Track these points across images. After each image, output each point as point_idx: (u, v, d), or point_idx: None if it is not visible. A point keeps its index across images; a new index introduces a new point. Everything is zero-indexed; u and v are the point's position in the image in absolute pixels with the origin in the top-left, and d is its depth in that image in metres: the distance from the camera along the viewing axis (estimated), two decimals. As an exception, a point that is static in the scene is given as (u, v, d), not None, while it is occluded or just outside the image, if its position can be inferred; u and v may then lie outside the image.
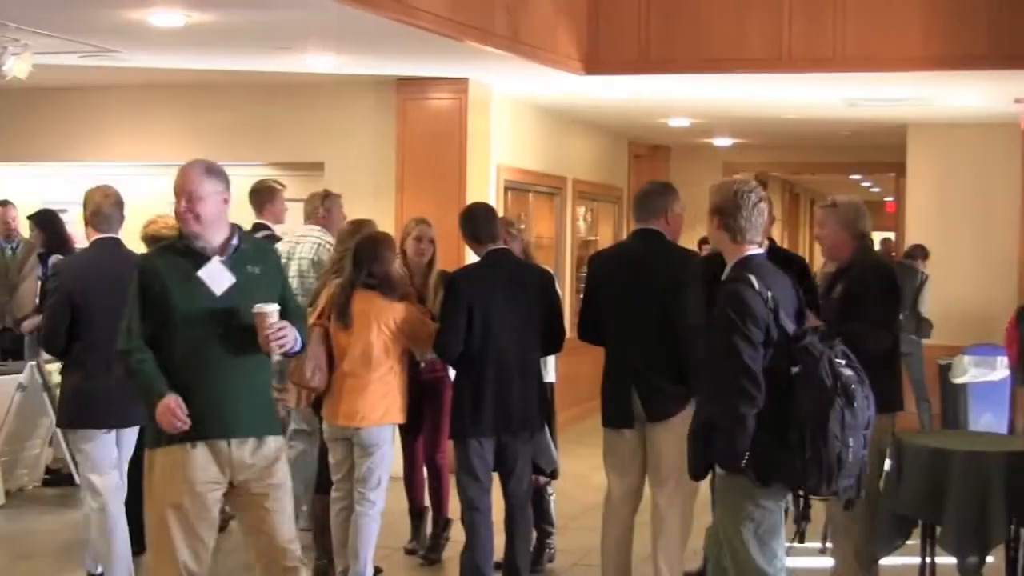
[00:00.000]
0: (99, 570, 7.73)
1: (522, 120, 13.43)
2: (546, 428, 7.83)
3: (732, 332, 5.32)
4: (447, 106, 11.87)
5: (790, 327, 5.42)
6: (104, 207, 7.68)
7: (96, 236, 7.69)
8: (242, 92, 12.58)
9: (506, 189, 12.90)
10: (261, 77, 11.82)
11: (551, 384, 8.42)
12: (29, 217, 11.35)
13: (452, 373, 7.87)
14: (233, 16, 8.87)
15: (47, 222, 11.18)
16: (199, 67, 11.35)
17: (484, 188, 12.04)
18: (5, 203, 11.80)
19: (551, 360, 8.36)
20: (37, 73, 9.89)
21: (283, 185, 9.70)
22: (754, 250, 5.60)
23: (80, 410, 7.53)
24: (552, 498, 8.61)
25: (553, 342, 7.69)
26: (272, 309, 5.68)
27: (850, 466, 5.34)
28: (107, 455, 7.57)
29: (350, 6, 8.24)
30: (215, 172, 5.72)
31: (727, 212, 5.58)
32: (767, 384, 5.30)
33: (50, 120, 13.27)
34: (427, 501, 8.90)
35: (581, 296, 7.68)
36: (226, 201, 5.72)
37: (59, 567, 8.59)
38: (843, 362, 5.38)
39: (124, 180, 13.29)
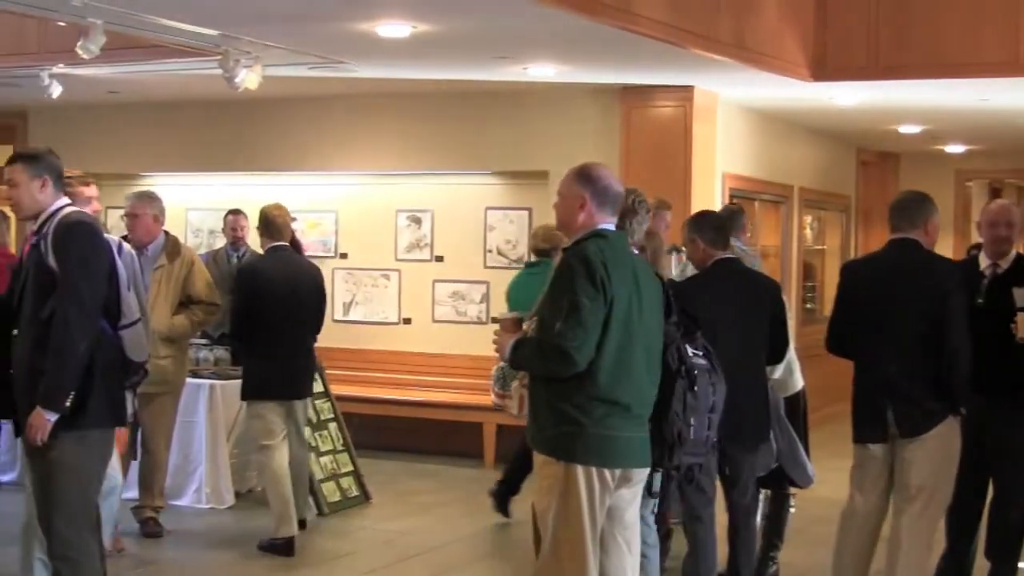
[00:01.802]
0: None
1: (748, 127, 13.30)
2: (798, 441, 7.74)
3: None
4: (672, 114, 11.80)
5: None
6: (277, 220, 9.27)
7: (271, 244, 9.28)
8: (466, 101, 12.68)
9: (731, 197, 12.76)
10: (485, 86, 11.90)
11: (802, 391, 8.33)
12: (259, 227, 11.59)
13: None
14: (457, 26, 8.95)
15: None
16: (423, 77, 11.48)
17: (709, 196, 11.94)
18: (236, 212, 12.06)
19: (796, 367, 8.25)
20: (266, 84, 10.11)
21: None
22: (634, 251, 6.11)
23: (259, 385, 9.08)
24: (792, 511, 8.49)
25: (776, 352, 7.57)
26: (504, 315, 5.76)
27: (691, 444, 5.87)
28: (278, 422, 9.13)
29: (573, 14, 8.25)
30: (575, 174, 5.64)
31: (624, 216, 6.15)
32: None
33: (278, 130, 13.56)
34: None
35: (832, 307, 7.47)
36: (582, 207, 5.57)
37: (284, 565, 8.74)
38: (700, 352, 5.99)
39: (349, 189, 13.61)
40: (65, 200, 6.23)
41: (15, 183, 6.15)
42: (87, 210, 6.82)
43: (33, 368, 5.95)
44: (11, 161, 6.23)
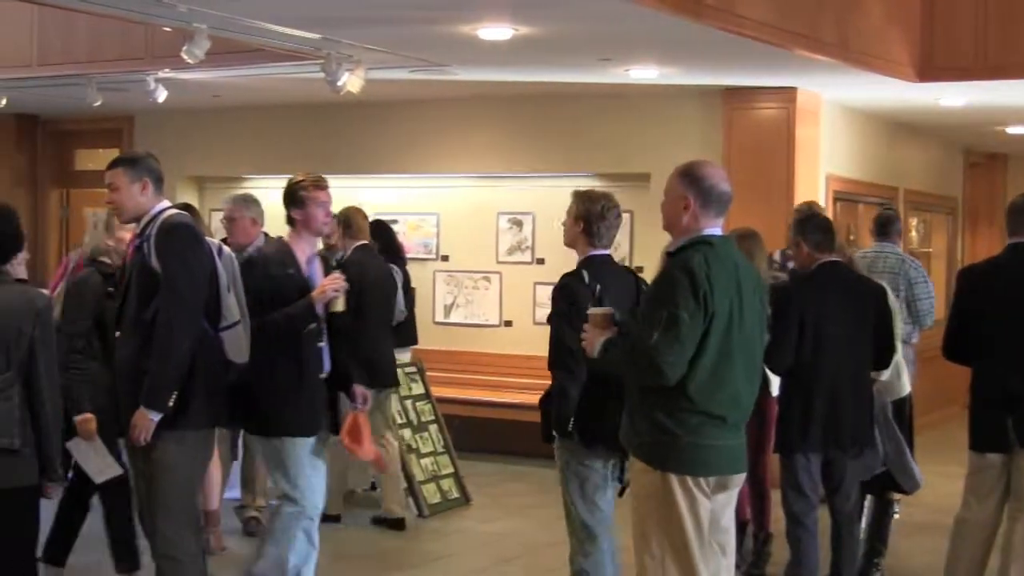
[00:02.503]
0: None
1: (852, 129, 13.16)
2: (905, 445, 7.67)
3: (560, 319, 6.41)
4: (775, 115, 11.72)
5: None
6: (357, 219, 9.77)
7: (355, 243, 9.71)
8: (567, 103, 12.65)
9: (835, 199, 12.65)
10: (586, 88, 11.87)
11: (909, 396, 8.24)
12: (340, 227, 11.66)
13: (773, 386, 7.74)
14: (558, 28, 8.94)
15: (381, 232, 11.44)
16: (524, 79, 11.48)
17: (812, 199, 11.81)
18: (336, 216, 12.10)
19: (904, 370, 8.16)
20: (367, 87, 10.16)
21: None
22: (600, 251, 6.59)
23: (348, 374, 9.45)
24: (896, 517, 8.39)
25: (882, 358, 7.48)
26: (595, 311, 5.72)
27: None
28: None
29: (675, 16, 8.21)
30: (680, 173, 5.49)
31: (592, 220, 6.57)
32: (591, 361, 5.89)
33: (380, 133, 13.60)
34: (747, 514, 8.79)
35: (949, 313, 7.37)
36: (686, 208, 5.38)
37: (385, 566, 8.78)
38: None
39: (451, 192, 13.63)
40: (166, 203, 6.30)
41: (116, 187, 6.23)
42: (320, 215, 6.80)
43: (137, 369, 6.04)
44: (111, 165, 6.31)
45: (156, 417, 5.98)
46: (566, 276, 6.53)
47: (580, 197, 6.70)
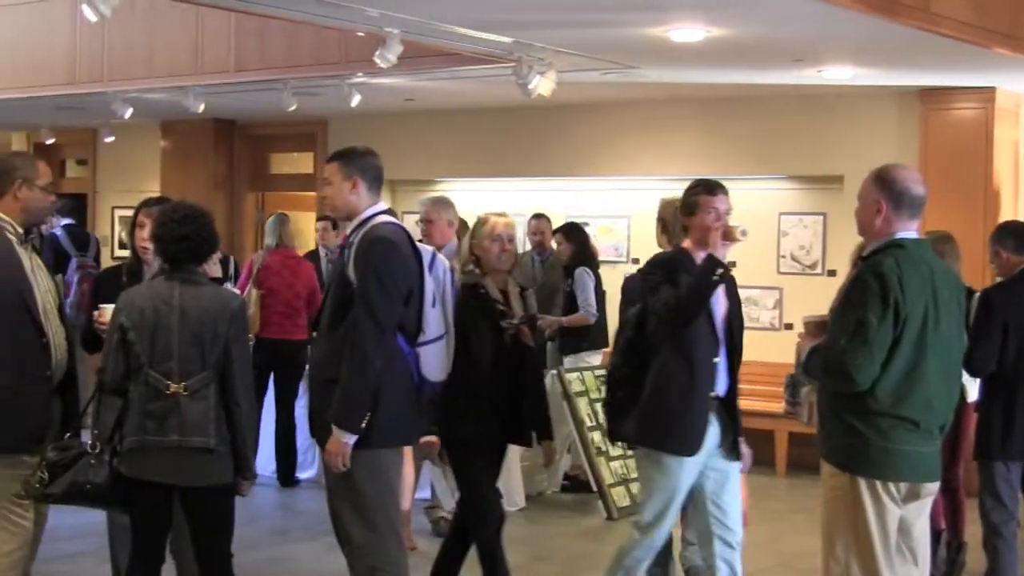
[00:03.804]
0: None
1: (1054, 129, 12.82)
2: None
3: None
4: (973, 116, 11.48)
5: None
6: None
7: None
8: (760, 104, 12.53)
9: (1035, 203, 12.35)
10: (778, 89, 11.76)
11: None
12: (556, 230, 11.69)
13: (970, 392, 7.57)
14: (751, 30, 8.88)
15: (575, 234, 11.48)
16: (714, 81, 11.41)
17: (1012, 201, 11.57)
18: (539, 216, 12.13)
19: None
20: (558, 90, 10.18)
21: None
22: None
23: None
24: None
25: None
26: (810, 318, 5.68)
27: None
28: None
29: (871, 16, 8.10)
30: (872, 177, 5.42)
31: (669, 223, 7.05)
32: (644, 352, 6.33)
33: (571, 136, 13.62)
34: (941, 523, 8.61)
35: None
36: (878, 212, 5.34)
37: (574, 567, 8.78)
38: None
39: (642, 194, 13.56)
40: (380, 207, 6.05)
41: (329, 182, 6.05)
42: (710, 220, 6.47)
43: (326, 379, 5.92)
44: (329, 159, 6.14)
45: (350, 439, 5.80)
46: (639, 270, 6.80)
47: (663, 203, 7.29)
